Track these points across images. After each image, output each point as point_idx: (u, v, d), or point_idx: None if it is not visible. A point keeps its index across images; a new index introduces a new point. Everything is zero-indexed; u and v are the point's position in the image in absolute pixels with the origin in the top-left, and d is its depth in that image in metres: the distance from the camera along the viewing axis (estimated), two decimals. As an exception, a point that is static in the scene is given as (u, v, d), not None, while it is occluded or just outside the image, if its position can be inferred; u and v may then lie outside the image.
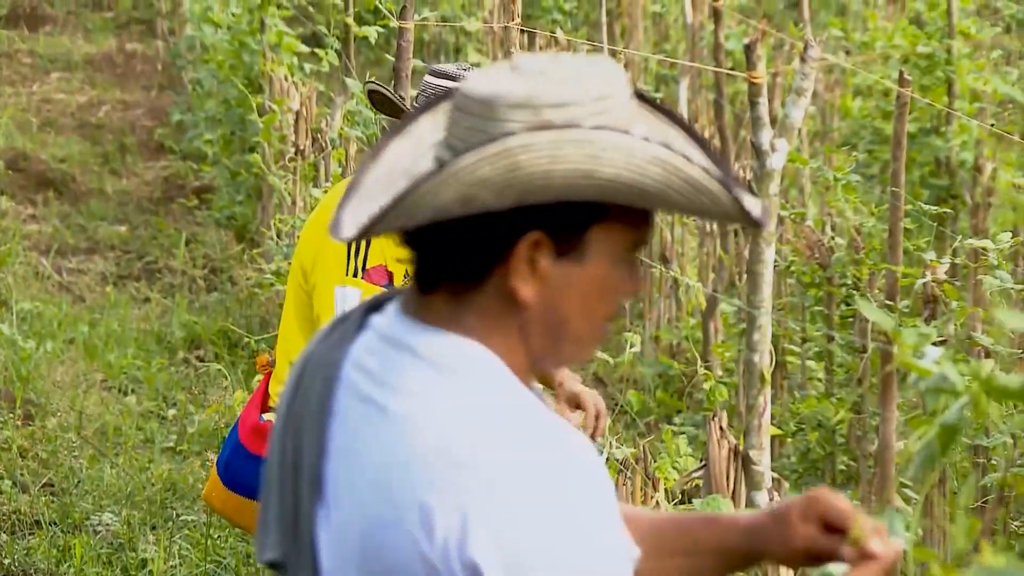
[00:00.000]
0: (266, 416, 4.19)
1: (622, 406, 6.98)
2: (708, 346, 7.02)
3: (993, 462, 5.42)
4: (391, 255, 3.98)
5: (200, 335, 7.77)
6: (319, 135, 7.65)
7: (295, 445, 2.07)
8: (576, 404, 4.06)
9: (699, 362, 6.13)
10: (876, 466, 5.13)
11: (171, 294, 8.40)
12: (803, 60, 4.04)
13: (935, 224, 6.61)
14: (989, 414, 1.97)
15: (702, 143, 2.03)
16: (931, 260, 5.31)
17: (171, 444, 6.66)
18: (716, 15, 7.52)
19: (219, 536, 5.74)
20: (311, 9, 9.49)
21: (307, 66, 8.50)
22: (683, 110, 8.94)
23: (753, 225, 1.98)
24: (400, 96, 4.36)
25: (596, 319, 2.03)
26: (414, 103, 4.27)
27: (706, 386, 4.84)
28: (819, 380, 6.43)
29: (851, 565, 2.05)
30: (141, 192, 9.98)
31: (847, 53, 9.66)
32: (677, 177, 1.94)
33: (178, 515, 5.99)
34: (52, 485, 6.23)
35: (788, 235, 6.27)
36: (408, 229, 1.99)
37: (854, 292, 5.81)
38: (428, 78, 4.07)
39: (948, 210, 7.01)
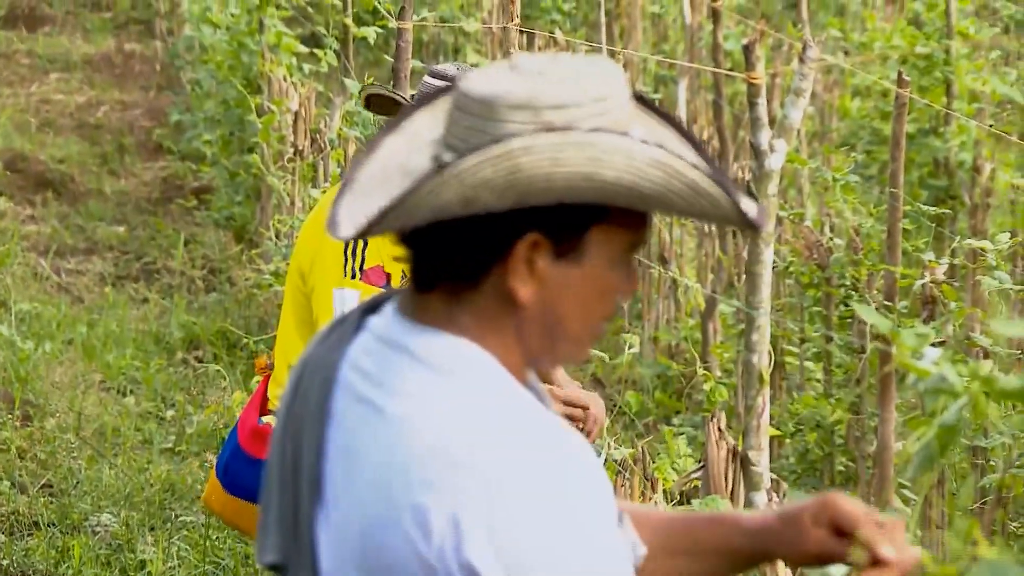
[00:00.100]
0: (265, 419, 4.18)
1: (621, 407, 6.98)
2: (707, 347, 7.03)
3: (992, 463, 5.42)
4: (388, 255, 3.97)
5: (199, 336, 7.76)
6: (318, 136, 7.65)
7: (294, 447, 2.07)
8: (574, 405, 4.05)
9: (698, 363, 6.14)
10: (875, 467, 5.13)
11: (170, 295, 8.39)
12: (802, 61, 4.04)
13: (934, 225, 6.60)
14: (988, 415, 1.97)
15: (697, 146, 2.03)
16: (930, 261, 5.31)
17: (170, 445, 6.65)
18: (715, 16, 7.52)
19: (218, 537, 5.73)
20: (310, 10, 9.48)
21: (306, 67, 8.50)
22: (682, 111, 8.94)
23: (751, 228, 1.99)
24: (404, 97, 4.35)
25: (593, 319, 2.04)
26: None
27: (705, 387, 4.84)
28: (818, 381, 6.43)
29: (860, 570, 2.04)
30: (140, 193, 9.97)
31: (846, 54, 9.65)
32: (677, 180, 1.95)
33: (177, 516, 5.98)
34: (51, 486, 6.23)
35: (787, 236, 6.27)
36: (406, 229, 1.99)
37: (853, 293, 5.81)
38: (427, 79, 4.07)
39: (947, 211, 6.99)
